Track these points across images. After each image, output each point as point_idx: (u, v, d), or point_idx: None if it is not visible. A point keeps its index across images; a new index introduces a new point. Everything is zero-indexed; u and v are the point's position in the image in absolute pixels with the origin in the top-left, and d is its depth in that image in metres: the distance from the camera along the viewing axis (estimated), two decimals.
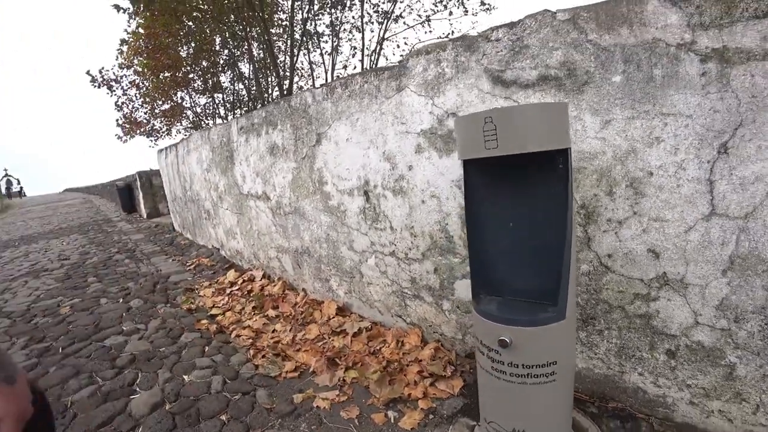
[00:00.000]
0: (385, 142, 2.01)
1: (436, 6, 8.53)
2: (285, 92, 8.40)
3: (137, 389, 1.99)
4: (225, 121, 5.26)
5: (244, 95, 10.42)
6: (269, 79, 9.49)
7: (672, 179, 1.28)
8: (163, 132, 11.01)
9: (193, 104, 10.67)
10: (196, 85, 10.06)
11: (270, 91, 9.49)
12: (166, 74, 8.76)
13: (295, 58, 8.35)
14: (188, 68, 9.27)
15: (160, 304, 3.14)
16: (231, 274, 3.54)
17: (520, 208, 1.20)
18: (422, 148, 1.85)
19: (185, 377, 2.05)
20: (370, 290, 2.34)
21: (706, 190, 1.23)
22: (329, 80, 8.94)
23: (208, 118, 10.82)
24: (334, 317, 2.50)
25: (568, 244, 1.08)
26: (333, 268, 2.56)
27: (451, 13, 8.65)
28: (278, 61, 8.40)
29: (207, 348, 2.35)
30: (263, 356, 2.20)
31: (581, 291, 1.51)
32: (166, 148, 6.07)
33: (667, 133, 1.26)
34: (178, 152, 5.25)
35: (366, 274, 2.34)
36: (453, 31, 8.92)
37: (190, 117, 10.77)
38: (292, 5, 7.99)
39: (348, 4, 8.61)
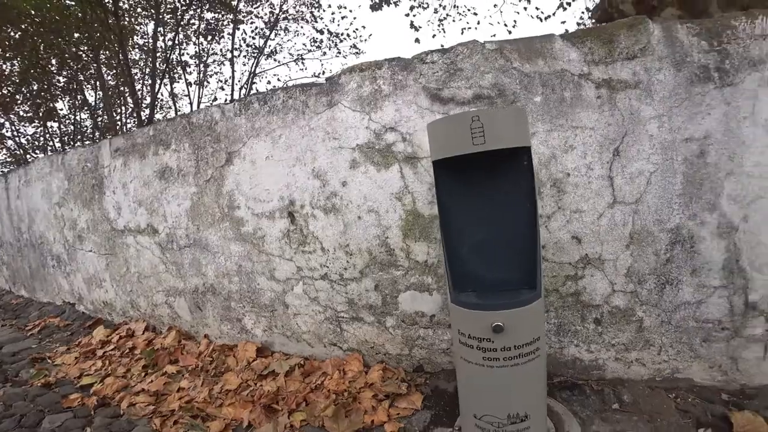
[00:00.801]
0: (314, 158, 1.94)
1: (311, 45, 8.88)
2: (144, 123, 7.36)
3: None
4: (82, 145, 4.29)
5: (87, 126, 8.75)
6: (122, 108, 8.20)
7: (584, 178, 1.57)
8: None
9: (16, 133, 8.48)
10: (21, 110, 8.06)
11: (123, 121, 8.18)
12: None
13: (157, 87, 7.46)
14: (13, 88, 7.36)
15: None
16: (100, 332, 2.78)
17: (488, 205, 1.30)
18: (358, 162, 1.86)
19: None
20: (297, 322, 2.15)
21: (609, 184, 1.55)
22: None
23: (36, 151, 8.66)
24: (254, 360, 2.19)
25: (537, 230, 1.22)
26: (247, 305, 2.27)
27: (324, 54, 9.12)
28: (136, 89, 7.36)
29: (90, 429, 1.77)
30: (176, 422, 1.77)
31: None
32: None
33: (578, 142, 1.56)
34: (9, 183, 4.03)
35: (292, 305, 2.14)
36: (324, 71, 9.36)
37: (11, 147, 8.50)
38: (155, 29, 7.21)
39: (218, 36, 8.23)
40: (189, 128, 2.31)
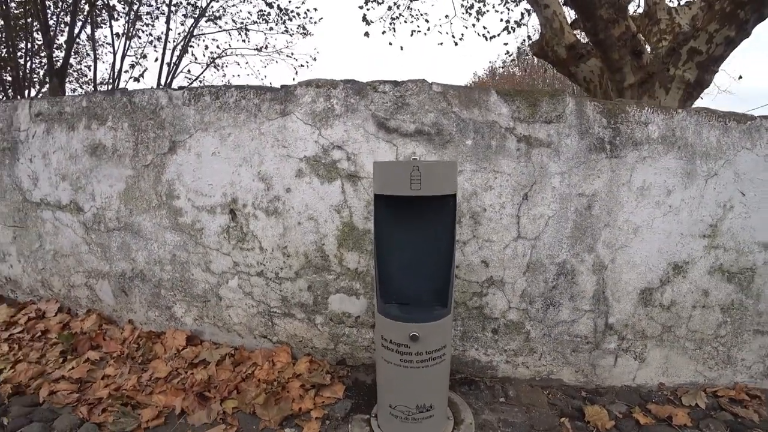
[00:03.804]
0: (261, 162, 2.11)
1: (258, 17, 8.54)
2: (56, 68, 6.60)
3: None
4: None
5: None
6: (28, 45, 7.23)
7: (497, 214, 1.95)
8: None
9: None
10: None
11: (29, 60, 7.23)
12: None
13: (76, 30, 6.68)
14: None
15: None
16: (2, 312, 2.69)
17: (415, 234, 1.61)
18: (304, 173, 2.07)
19: None
20: (230, 313, 2.34)
21: (516, 222, 1.95)
22: (118, 66, 7.55)
23: None
24: (184, 348, 2.34)
25: (453, 259, 1.56)
26: (179, 293, 2.40)
27: (271, 29, 8.85)
28: (49, 24, 6.53)
29: (6, 420, 1.83)
30: (104, 410, 1.90)
31: None
32: None
33: (496, 184, 1.93)
34: None
35: (225, 297, 2.32)
36: (267, 45, 9.11)
37: None
38: None
39: None
40: (130, 108, 2.32)
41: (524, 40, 8.54)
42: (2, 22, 6.97)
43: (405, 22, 7.73)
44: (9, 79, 7.38)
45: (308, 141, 2.03)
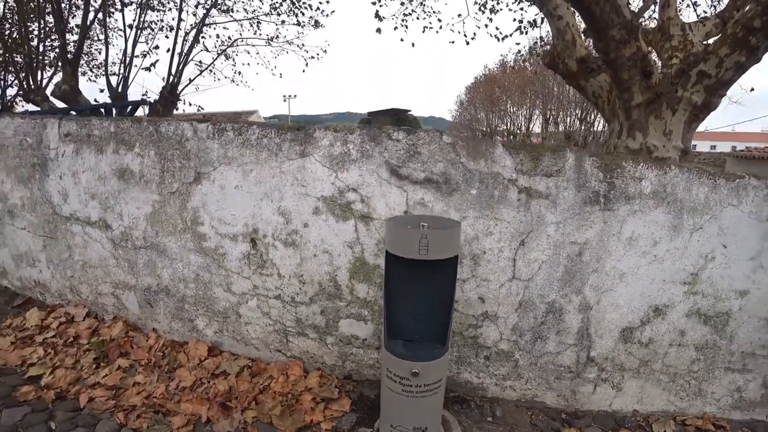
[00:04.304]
0: (281, 198, 2.31)
1: (270, 9, 8.52)
2: (68, 53, 6.64)
3: None
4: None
5: None
6: (40, 24, 7.25)
7: (495, 257, 2.17)
8: None
9: None
10: None
11: (42, 48, 7.26)
12: None
13: (90, 17, 6.70)
14: None
15: None
16: (34, 315, 2.94)
17: (421, 282, 1.84)
18: (320, 211, 2.27)
19: None
20: (248, 329, 2.59)
21: (512, 264, 2.17)
22: (129, 55, 7.60)
23: None
24: (206, 359, 2.61)
25: (452, 306, 1.79)
26: (201, 309, 2.64)
27: (283, 22, 8.84)
28: (63, 15, 6.54)
29: (54, 424, 2.10)
30: (138, 417, 2.17)
31: None
32: None
33: (496, 230, 2.14)
34: None
35: (245, 315, 2.56)
36: (278, 35, 9.10)
37: None
38: None
39: None
40: (156, 137, 2.49)
41: (536, 41, 8.49)
42: (15, 4, 6.99)
43: (417, 18, 7.68)
44: (20, 61, 7.43)
45: (325, 182, 2.23)
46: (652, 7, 6.14)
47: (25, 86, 7.42)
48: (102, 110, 6.40)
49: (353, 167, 2.19)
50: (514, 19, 7.76)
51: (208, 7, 8.06)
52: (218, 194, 2.41)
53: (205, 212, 2.46)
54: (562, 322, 2.24)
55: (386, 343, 1.85)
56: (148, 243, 2.65)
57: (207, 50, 8.70)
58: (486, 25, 7.70)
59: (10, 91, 8.81)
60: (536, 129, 28.31)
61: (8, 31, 7.58)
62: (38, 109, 7.00)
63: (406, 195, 2.16)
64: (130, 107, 6.75)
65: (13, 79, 8.16)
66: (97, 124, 2.67)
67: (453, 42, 8.45)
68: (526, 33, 7.87)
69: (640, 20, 5.50)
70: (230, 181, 2.38)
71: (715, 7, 6.87)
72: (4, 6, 7.42)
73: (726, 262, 2.19)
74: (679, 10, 4.92)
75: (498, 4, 7.58)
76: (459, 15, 7.73)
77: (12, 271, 3.38)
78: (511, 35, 7.87)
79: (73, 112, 6.01)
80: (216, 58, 8.86)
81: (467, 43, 7.97)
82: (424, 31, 8.13)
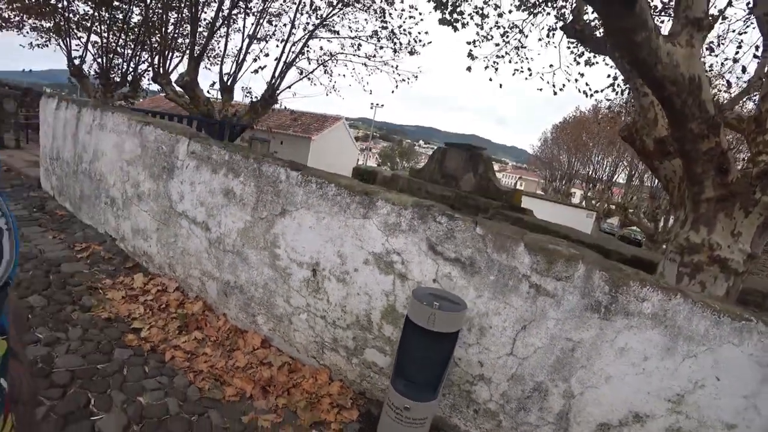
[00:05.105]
0: (342, 244, 2.98)
1: (371, 34, 9.45)
2: (195, 55, 7.93)
3: (94, 410, 2.53)
4: (162, 122, 5.08)
5: (136, 20, 9.38)
6: (182, 25, 8.74)
7: (499, 333, 2.67)
8: (11, 24, 9.12)
9: (66, 9, 9.11)
10: None
11: (174, 39, 8.73)
12: None
13: (216, 28, 8.00)
14: None
15: (67, 305, 3.38)
16: (139, 278, 3.91)
17: (427, 342, 2.41)
18: (369, 262, 2.90)
19: (141, 399, 2.67)
20: (295, 335, 3.30)
21: (511, 342, 2.66)
22: (242, 55, 8.86)
23: (80, 29, 9.31)
24: (258, 348, 3.36)
25: (447, 366, 2.34)
26: (263, 309, 3.40)
27: (381, 48, 9.71)
28: (198, 19, 7.86)
29: (147, 368, 2.95)
30: (203, 380, 2.96)
31: None
32: (61, 100, 5.57)
33: (504, 312, 2.64)
34: (82, 117, 4.93)
35: (295, 323, 3.28)
36: (375, 54, 9.98)
37: (59, 22, 9.19)
38: None
39: None
40: (257, 172, 3.27)
41: (624, 96, 8.50)
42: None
43: (510, 62, 8.05)
44: (155, 43, 8.94)
45: (377, 242, 2.86)
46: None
47: (156, 68, 8.89)
48: (217, 125, 7.67)
49: (401, 236, 2.79)
50: (608, 75, 7.82)
51: (316, 23, 9.05)
52: (295, 229, 3.14)
53: (283, 239, 3.20)
54: (545, 401, 2.69)
55: (392, 378, 2.45)
56: (235, 250, 3.45)
57: (309, 61, 9.76)
58: (576, 80, 7.88)
59: (141, 68, 10.59)
60: (620, 180, 27.11)
61: (152, 15, 9.09)
62: (163, 93, 8.42)
63: (437, 267, 2.73)
64: (238, 127, 7.99)
65: (147, 56, 9.78)
66: (216, 151, 3.51)
67: (541, 90, 8.70)
68: (621, 93, 7.89)
69: (727, 113, 5.50)
70: (306, 222, 3.09)
71: None
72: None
73: (717, 393, 2.44)
74: None
75: (594, 57, 7.72)
76: (551, 66, 7.98)
77: (129, 239, 4.40)
78: (602, 91, 7.95)
79: (192, 120, 7.23)
80: (315, 68, 9.89)
81: (554, 93, 8.20)
82: (514, 74, 8.48)
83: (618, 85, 7.58)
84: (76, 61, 10.68)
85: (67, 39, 10.33)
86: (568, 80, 7.83)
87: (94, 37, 10.17)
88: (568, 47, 7.82)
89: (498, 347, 2.70)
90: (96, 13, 9.62)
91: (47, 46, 11.28)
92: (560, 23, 6.84)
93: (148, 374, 2.91)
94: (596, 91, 7.84)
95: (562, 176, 33.05)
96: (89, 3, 9.26)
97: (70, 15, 9.97)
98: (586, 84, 7.76)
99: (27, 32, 10.46)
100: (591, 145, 27.19)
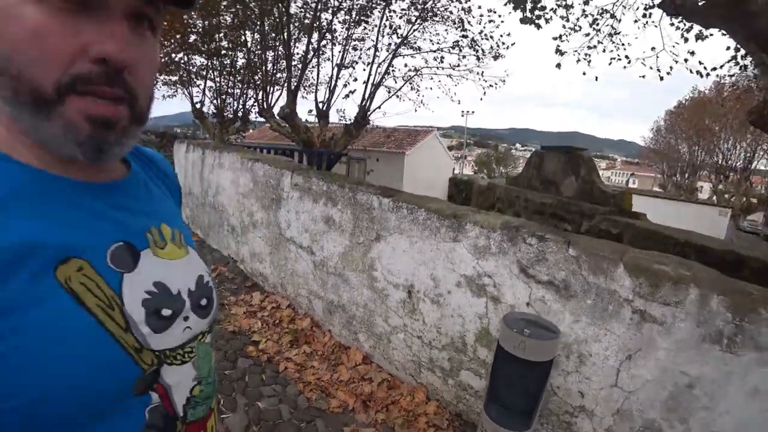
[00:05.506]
0: (434, 267, 3.13)
1: (452, 45, 9.65)
2: (292, 88, 8.92)
3: (223, 409, 3.00)
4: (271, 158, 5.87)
5: (241, 62, 10.96)
6: (279, 62, 9.94)
7: (600, 361, 2.57)
8: None
9: (186, 63, 11.06)
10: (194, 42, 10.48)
11: (273, 75, 9.95)
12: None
13: (310, 56, 8.92)
14: (190, 30, 9.49)
15: None
16: (257, 296, 4.50)
17: (519, 369, 2.42)
18: (461, 285, 3.01)
19: (259, 404, 3.10)
20: (394, 353, 3.51)
21: (615, 373, 2.55)
22: (333, 81, 9.71)
23: (198, 78, 11.17)
24: (359, 364, 3.64)
25: (541, 396, 2.34)
26: (364, 327, 3.68)
27: (464, 57, 9.82)
28: (292, 56, 8.87)
29: (264, 377, 3.39)
30: (310, 390, 3.30)
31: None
32: (190, 144, 6.87)
33: (605, 339, 2.54)
34: (206, 158, 5.93)
35: (393, 342, 3.49)
36: (459, 64, 10.08)
37: (182, 76, 11.19)
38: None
39: (366, 16, 9.29)
40: (353, 201, 3.59)
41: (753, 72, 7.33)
42: (259, 37, 9.62)
43: (604, 51, 7.54)
44: (259, 82, 10.22)
45: (468, 265, 2.95)
46: None
47: (260, 103, 10.13)
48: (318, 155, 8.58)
49: (491, 258, 2.85)
50: (728, 48, 6.77)
51: (398, 42, 9.48)
52: (390, 253, 3.37)
53: (379, 263, 3.46)
54: None
55: (485, 404, 2.51)
56: (337, 272, 3.80)
57: (395, 79, 10.21)
58: (686, 60, 7.05)
59: (249, 104, 12.22)
60: (761, 166, 23.16)
61: (253, 57, 10.39)
62: (268, 125, 9.58)
63: (530, 291, 2.73)
64: (333, 155, 8.83)
65: (252, 93, 11.22)
66: (315, 182, 3.93)
67: (644, 76, 7.97)
68: (745, 69, 6.88)
69: None
70: (400, 246, 3.30)
71: None
72: (252, 38, 10.29)
73: None
74: None
75: (706, 29, 6.80)
76: (652, 48, 7.26)
77: (247, 261, 5.08)
78: (720, 67, 6.96)
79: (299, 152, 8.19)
80: (402, 86, 10.31)
81: (661, 78, 7.47)
82: (610, 64, 7.92)
83: (742, 57, 6.56)
84: (198, 105, 12.85)
85: (189, 87, 12.53)
86: (676, 61, 7.02)
87: (209, 83, 12.23)
88: (671, 23, 7.02)
89: (600, 377, 2.60)
90: (209, 63, 11.48)
91: (175, 95, 13.79)
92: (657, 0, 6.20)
93: (265, 382, 3.34)
94: (713, 69, 6.89)
95: (683, 169, 29.14)
96: (204, 55, 11.00)
97: (190, 68, 12.08)
98: (700, 63, 6.86)
99: (159, 87, 12.83)
100: (717, 129, 23.52)
